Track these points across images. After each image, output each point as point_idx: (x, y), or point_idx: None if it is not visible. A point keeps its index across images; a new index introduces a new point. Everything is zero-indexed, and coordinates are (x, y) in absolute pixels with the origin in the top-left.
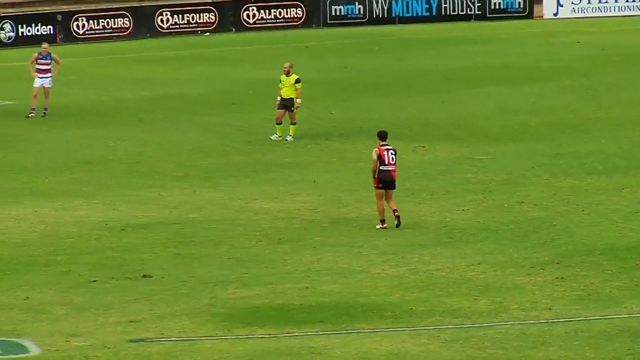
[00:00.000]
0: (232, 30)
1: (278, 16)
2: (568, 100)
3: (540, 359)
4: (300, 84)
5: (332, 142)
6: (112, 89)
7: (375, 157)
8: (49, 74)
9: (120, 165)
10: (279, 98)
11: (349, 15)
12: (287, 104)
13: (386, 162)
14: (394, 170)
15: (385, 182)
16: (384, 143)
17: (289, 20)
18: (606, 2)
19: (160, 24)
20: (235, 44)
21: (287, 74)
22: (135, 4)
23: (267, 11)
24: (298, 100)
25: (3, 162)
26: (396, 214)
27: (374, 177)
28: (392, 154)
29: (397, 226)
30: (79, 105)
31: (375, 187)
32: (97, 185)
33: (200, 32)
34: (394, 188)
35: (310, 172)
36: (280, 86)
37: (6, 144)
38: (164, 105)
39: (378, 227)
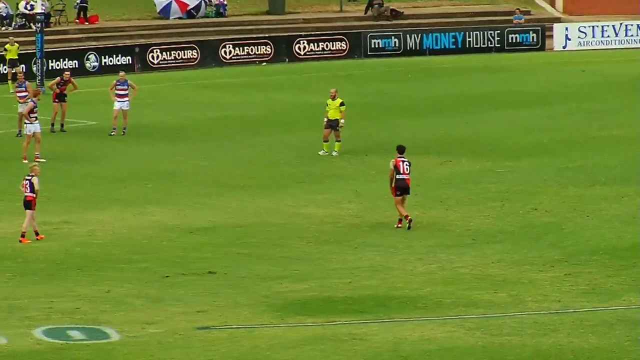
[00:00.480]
0: (285, 61)
1: (325, 48)
2: (575, 121)
3: (551, 344)
4: (344, 106)
5: (371, 157)
6: (182, 111)
7: (391, 166)
8: (127, 98)
9: (189, 177)
10: (325, 119)
11: (386, 48)
12: (332, 124)
13: (401, 172)
14: (409, 179)
15: (401, 188)
16: (400, 156)
17: (334, 52)
18: (608, 36)
19: (224, 55)
20: (288, 73)
21: (333, 98)
22: (202, 38)
23: (315, 44)
24: (342, 121)
25: (88, 174)
26: (408, 218)
27: (390, 184)
28: (407, 165)
29: (409, 228)
30: (153, 125)
31: (393, 194)
32: (169, 194)
33: (258, 62)
34: (409, 194)
35: (352, 183)
36: (327, 109)
37: (91, 158)
38: (226, 125)
39: (396, 226)
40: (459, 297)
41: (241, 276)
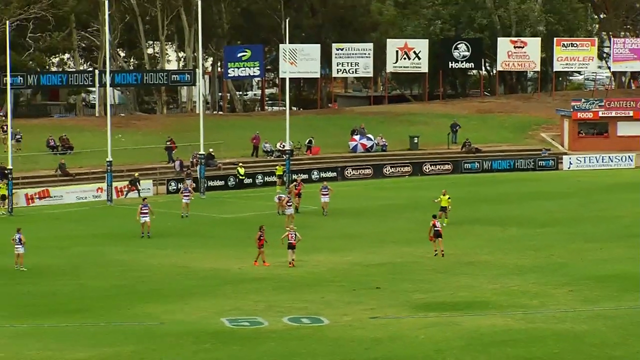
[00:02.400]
0: (418, 175)
1: (440, 168)
2: (577, 207)
3: (562, 329)
4: (450, 199)
5: (465, 226)
6: (362, 201)
7: (431, 225)
8: (327, 196)
9: (361, 237)
10: (437, 202)
11: (472, 169)
12: (444, 209)
13: (437, 227)
14: (441, 230)
15: (436, 234)
16: (434, 219)
17: (444, 170)
18: (592, 162)
19: (385, 172)
20: (420, 181)
21: (444, 194)
22: (374, 163)
23: (434, 166)
24: (449, 207)
25: (312, 235)
26: (442, 252)
27: (429, 233)
28: (438, 222)
29: (442, 256)
30: (345, 209)
31: (430, 239)
32: (357, 246)
33: (403, 175)
34: (441, 237)
35: (452, 240)
36: (441, 199)
37: (312, 226)
38: (386, 209)
39: (434, 254)
40: (511, 302)
41: (393, 290)
